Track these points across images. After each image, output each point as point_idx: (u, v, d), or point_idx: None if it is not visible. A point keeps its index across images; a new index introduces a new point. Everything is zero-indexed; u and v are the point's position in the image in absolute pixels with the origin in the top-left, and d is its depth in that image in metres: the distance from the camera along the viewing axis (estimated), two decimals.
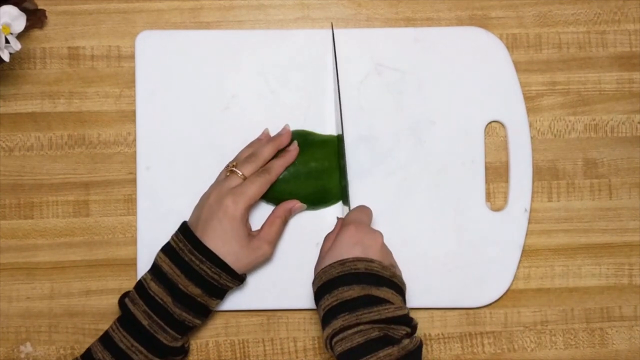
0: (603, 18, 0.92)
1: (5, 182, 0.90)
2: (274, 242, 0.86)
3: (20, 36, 0.85)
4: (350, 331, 0.73)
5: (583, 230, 0.91)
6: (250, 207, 0.83)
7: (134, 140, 0.90)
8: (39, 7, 0.90)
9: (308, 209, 0.89)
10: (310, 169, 0.88)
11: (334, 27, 0.90)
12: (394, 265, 0.80)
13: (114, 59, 0.91)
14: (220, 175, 0.87)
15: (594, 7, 0.92)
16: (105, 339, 0.81)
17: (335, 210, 0.90)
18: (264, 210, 0.88)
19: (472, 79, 0.91)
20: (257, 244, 0.84)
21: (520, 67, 0.91)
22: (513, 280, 0.90)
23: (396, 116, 0.90)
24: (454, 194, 0.90)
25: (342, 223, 0.81)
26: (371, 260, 0.76)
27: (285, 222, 0.87)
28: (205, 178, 0.87)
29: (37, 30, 0.91)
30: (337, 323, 0.74)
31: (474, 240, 0.89)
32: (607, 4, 0.92)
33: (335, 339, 0.74)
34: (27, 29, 0.87)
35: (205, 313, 0.83)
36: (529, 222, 0.90)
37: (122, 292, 0.85)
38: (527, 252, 0.91)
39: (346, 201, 0.87)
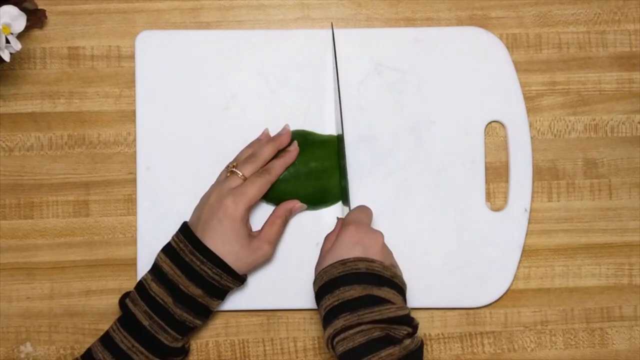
0: (603, 18, 0.92)
1: (5, 182, 0.90)
2: (275, 242, 0.86)
3: (20, 36, 0.85)
4: (351, 331, 0.73)
5: (583, 230, 0.91)
6: (250, 208, 0.83)
7: (134, 140, 0.90)
8: (39, 7, 0.90)
9: (308, 209, 0.89)
10: (310, 169, 0.88)
11: (334, 27, 0.90)
12: (394, 266, 0.80)
13: (114, 59, 0.91)
14: (220, 175, 0.87)
15: (594, 7, 0.92)
16: (106, 339, 0.81)
17: (335, 211, 0.90)
18: (265, 211, 0.88)
19: (472, 79, 0.91)
20: (258, 244, 0.84)
21: (520, 67, 0.91)
22: (513, 280, 0.90)
23: (396, 116, 0.90)
24: (454, 194, 0.90)
25: (342, 223, 0.81)
26: (372, 260, 0.76)
27: (285, 222, 0.87)
28: (205, 178, 0.87)
29: (37, 30, 0.91)
30: (338, 323, 0.74)
31: (474, 240, 0.89)
32: (607, 4, 0.92)
33: (336, 339, 0.74)
34: (27, 29, 0.87)
35: (206, 314, 0.83)
36: (529, 222, 0.91)
37: (122, 292, 0.85)
38: (527, 252, 0.91)
39: (346, 201, 0.87)
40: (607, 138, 0.92)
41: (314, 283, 0.78)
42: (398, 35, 0.91)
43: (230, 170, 0.84)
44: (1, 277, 0.89)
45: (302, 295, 0.88)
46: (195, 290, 0.81)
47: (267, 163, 0.86)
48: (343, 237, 0.78)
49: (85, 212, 0.90)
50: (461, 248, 0.89)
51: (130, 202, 0.90)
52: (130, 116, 0.90)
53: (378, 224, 0.87)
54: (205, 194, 0.85)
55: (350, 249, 0.76)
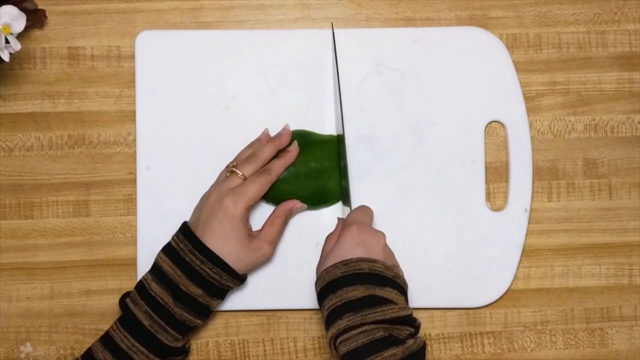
0: (603, 18, 0.92)
1: (5, 182, 0.90)
2: (275, 242, 0.86)
3: (20, 36, 0.85)
4: (355, 331, 0.73)
5: (583, 230, 0.91)
6: (250, 208, 0.83)
7: (134, 140, 0.90)
8: (39, 7, 0.90)
9: (308, 209, 0.89)
10: (310, 169, 0.88)
11: (334, 27, 0.90)
12: (396, 266, 0.80)
13: (114, 59, 0.91)
14: (220, 175, 0.87)
15: (594, 7, 0.92)
16: (106, 339, 0.81)
17: (335, 211, 0.90)
18: (264, 211, 0.88)
19: (472, 79, 0.91)
20: (258, 244, 0.84)
21: (520, 67, 0.91)
22: (513, 280, 0.90)
23: (396, 116, 0.90)
24: (454, 194, 0.90)
25: (343, 223, 0.81)
26: (374, 261, 0.76)
27: (285, 222, 0.87)
28: (205, 178, 0.87)
29: (37, 30, 0.91)
30: (341, 323, 0.74)
31: (474, 240, 0.89)
32: (607, 4, 0.92)
33: (339, 339, 0.74)
34: (27, 29, 0.87)
35: (206, 313, 0.83)
36: (529, 222, 0.91)
37: (122, 292, 0.85)
38: (527, 252, 0.91)
39: (346, 201, 0.87)
40: (607, 138, 0.92)
41: (316, 283, 0.78)
42: (398, 35, 0.91)
43: (230, 170, 0.84)
44: (1, 277, 0.89)
45: (302, 295, 0.88)
46: (195, 290, 0.81)
47: (267, 163, 0.86)
48: (345, 237, 0.78)
49: (85, 212, 0.90)
50: (461, 248, 0.89)
51: (130, 202, 0.90)
52: (130, 116, 0.90)
53: (378, 224, 0.87)
54: (205, 193, 0.85)
55: (352, 250, 0.76)
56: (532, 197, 0.91)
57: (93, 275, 0.90)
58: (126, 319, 0.81)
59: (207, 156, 0.89)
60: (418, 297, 0.88)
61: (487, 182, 0.91)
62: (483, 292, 0.90)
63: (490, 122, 0.91)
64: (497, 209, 0.91)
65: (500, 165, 0.91)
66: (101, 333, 0.82)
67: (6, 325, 0.89)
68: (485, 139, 0.91)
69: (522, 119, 0.91)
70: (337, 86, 0.85)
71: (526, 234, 0.90)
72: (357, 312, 0.74)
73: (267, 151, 0.86)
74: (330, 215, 0.89)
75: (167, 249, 0.83)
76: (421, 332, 0.89)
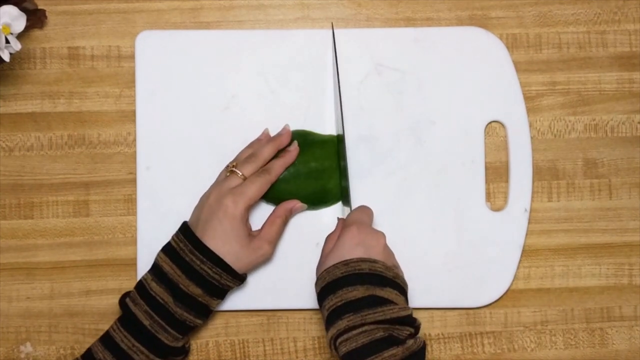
0: (603, 18, 0.92)
1: (5, 182, 0.90)
2: (275, 242, 0.86)
3: (20, 36, 0.85)
4: (355, 332, 0.73)
5: (583, 230, 0.91)
6: (250, 207, 0.83)
7: (134, 140, 0.90)
8: (39, 7, 0.90)
9: (308, 209, 0.89)
10: (310, 169, 0.88)
11: (334, 27, 0.90)
12: (396, 266, 0.80)
13: (114, 59, 0.91)
14: (220, 175, 0.87)
15: (594, 7, 0.92)
16: (106, 339, 0.81)
17: (335, 211, 0.90)
18: (264, 210, 0.88)
19: (472, 79, 0.91)
20: (258, 244, 0.84)
21: (520, 67, 0.91)
22: (513, 280, 0.90)
23: (396, 116, 0.90)
24: (454, 194, 0.90)
25: (343, 224, 0.81)
26: (375, 261, 0.76)
27: (285, 222, 0.87)
28: (205, 178, 0.87)
29: (37, 30, 0.91)
30: (342, 323, 0.74)
31: (474, 240, 0.89)
32: (607, 4, 0.92)
33: (339, 339, 0.74)
34: (27, 29, 0.87)
35: (206, 313, 0.83)
36: (529, 222, 0.91)
37: (122, 292, 0.85)
38: (527, 252, 0.91)
39: (346, 201, 0.87)
40: (607, 138, 0.92)
41: (316, 284, 0.78)
42: (398, 35, 0.91)
43: (230, 170, 0.84)
44: (1, 277, 0.89)
45: (302, 295, 0.88)
46: (195, 290, 0.81)
47: (267, 163, 0.86)
48: (345, 237, 0.78)
49: (85, 212, 0.90)
50: (461, 248, 0.89)
51: (130, 202, 0.90)
52: (130, 116, 0.90)
53: (378, 224, 0.87)
54: (205, 193, 0.85)
55: (352, 250, 0.76)
56: (532, 197, 0.91)
57: (93, 275, 0.90)
58: (126, 318, 0.81)
59: (207, 156, 0.89)
60: (418, 297, 0.88)
61: (487, 182, 0.91)
62: (483, 292, 0.90)
63: (490, 122, 0.91)
64: (497, 209, 0.91)
65: (500, 165, 0.91)
66: (101, 333, 0.82)
67: (6, 325, 0.89)
68: (485, 139, 0.91)
69: (522, 119, 0.91)
70: (337, 86, 0.85)
71: (526, 234, 0.90)
72: (357, 313, 0.74)
73: (267, 151, 0.86)
74: (330, 215, 0.89)
75: (167, 249, 0.83)
76: (421, 332, 0.89)
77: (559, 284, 0.91)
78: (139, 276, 0.87)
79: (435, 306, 0.90)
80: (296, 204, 0.87)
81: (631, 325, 0.91)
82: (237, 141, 0.88)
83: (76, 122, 0.91)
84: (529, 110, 0.91)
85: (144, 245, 0.88)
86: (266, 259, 0.86)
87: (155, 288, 0.81)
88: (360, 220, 0.81)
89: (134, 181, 0.90)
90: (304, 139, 0.89)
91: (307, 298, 0.88)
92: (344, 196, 0.88)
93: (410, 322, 0.75)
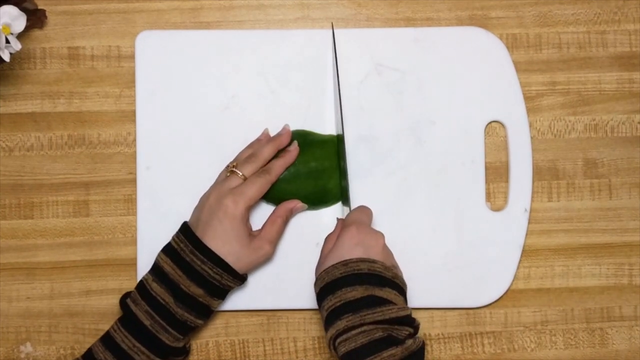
0: (603, 18, 0.92)
1: (5, 182, 0.90)
2: (275, 242, 0.86)
3: (20, 36, 0.85)
4: (354, 332, 0.73)
5: (583, 230, 0.91)
6: (250, 208, 0.83)
7: (134, 140, 0.90)
8: (39, 7, 0.90)
9: (308, 209, 0.89)
10: (310, 169, 0.88)
11: (334, 27, 0.90)
12: (395, 266, 0.80)
13: (114, 59, 0.91)
14: (220, 175, 0.87)
15: (594, 7, 0.92)
16: (107, 340, 0.81)
17: (335, 211, 0.90)
18: (265, 210, 0.88)
19: (472, 79, 0.91)
20: (259, 244, 0.84)
21: (520, 67, 0.91)
22: (513, 280, 0.90)
23: (396, 116, 0.90)
24: (454, 194, 0.90)
25: (342, 224, 0.81)
26: (374, 261, 0.76)
27: (286, 222, 0.87)
28: (205, 178, 0.87)
29: (37, 30, 0.91)
30: (341, 324, 0.74)
31: (474, 240, 0.89)
32: (607, 4, 0.92)
33: (339, 340, 0.74)
34: (27, 29, 0.87)
35: (207, 313, 0.83)
36: (529, 222, 0.91)
37: (122, 292, 0.85)
38: (527, 252, 0.91)
39: (346, 201, 0.87)
40: (607, 138, 0.92)
41: (315, 284, 0.78)
42: (398, 35, 0.91)
43: (230, 170, 0.84)
44: (1, 277, 0.89)
45: (302, 295, 0.88)
46: (196, 290, 0.81)
47: (267, 163, 0.86)
48: (344, 237, 0.78)
49: (85, 212, 0.90)
50: (461, 248, 0.89)
51: (130, 202, 0.90)
52: (130, 116, 0.90)
53: (378, 224, 0.87)
54: (205, 193, 0.85)
55: (351, 250, 0.76)
56: (532, 197, 0.91)
57: (93, 275, 0.90)
58: (127, 319, 0.81)
59: (207, 156, 0.89)
60: (418, 297, 0.88)
61: (487, 182, 0.91)
62: (483, 292, 0.90)
63: (490, 122, 0.91)
64: (497, 209, 0.91)
65: (500, 165, 0.91)
66: (101, 333, 0.82)
67: (6, 325, 0.89)
68: (485, 139, 0.91)
69: (522, 119, 0.91)
70: (337, 86, 0.85)
71: (526, 234, 0.90)
72: (356, 313, 0.74)
73: (267, 151, 0.86)
74: (330, 215, 0.89)
75: (168, 249, 0.83)
76: (421, 332, 0.89)
77: (559, 284, 0.91)
78: (139, 276, 0.87)
79: (435, 306, 0.90)
80: (297, 203, 0.87)
81: (631, 325, 0.91)
82: (237, 141, 0.88)
83: (76, 122, 0.91)
84: (529, 110, 0.91)
85: (144, 245, 0.88)
86: (267, 258, 0.86)
87: (156, 288, 0.81)
88: (359, 220, 0.81)
89: (134, 181, 0.90)
90: (304, 139, 0.89)
91: (307, 298, 0.88)
92: (343, 196, 0.88)
93: (409, 322, 0.75)
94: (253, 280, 0.88)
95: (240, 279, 0.83)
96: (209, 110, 0.90)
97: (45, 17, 0.90)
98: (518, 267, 0.90)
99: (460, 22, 0.92)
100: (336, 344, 0.74)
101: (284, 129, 0.89)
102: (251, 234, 0.85)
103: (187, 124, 0.90)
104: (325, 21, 0.92)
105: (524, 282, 0.91)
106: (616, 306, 0.91)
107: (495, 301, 0.90)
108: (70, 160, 0.90)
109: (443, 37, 0.91)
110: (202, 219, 0.82)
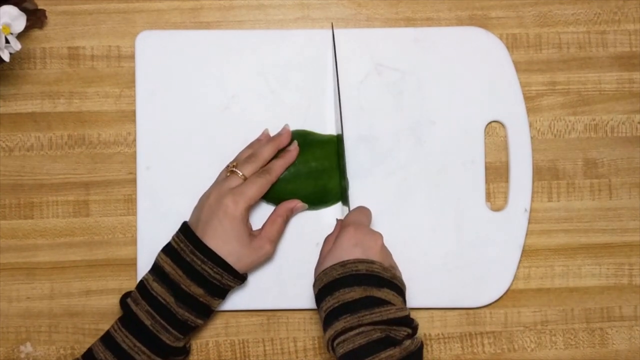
0: (603, 18, 0.92)
1: (5, 182, 0.90)
2: (276, 241, 0.86)
3: (20, 36, 0.85)
4: (352, 333, 0.73)
5: (583, 230, 0.91)
6: (250, 207, 0.83)
7: (134, 140, 0.90)
8: (39, 7, 0.90)
9: (308, 209, 0.89)
10: (310, 168, 0.88)
11: (334, 27, 0.90)
12: (393, 267, 0.80)
13: (114, 59, 0.91)
14: (220, 175, 0.87)
15: (594, 7, 0.92)
16: (107, 339, 0.81)
17: (335, 211, 0.90)
18: (265, 210, 0.89)
19: (472, 79, 0.91)
20: (259, 244, 0.84)
21: (520, 67, 0.91)
22: (513, 280, 0.90)
23: (396, 116, 0.90)
24: (454, 194, 0.90)
25: (341, 225, 0.81)
26: (372, 262, 0.76)
27: (286, 222, 0.87)
28: (205, 178, 0.87)
29: (37, 30, 0.91)
30: (339, 325, 0.74)
31: (474, 240, 0.89)
32: (607, 4, 0.92)
33: (337, 341, 0.74)
34: (27, 29, 0.87)
35: (207, 313, 0.83)
36: (529, 222, 0.91)
37: (122, 292, 0.85)
38: (527, 252, 0.91)
39: (346, 201, 0.87)
40: (607, 138, 0.92)
41: (314, 285, 0.78)
42: (398, 35, 0.91)
43: (230, 170, 0.84)
44: (1, 277, 0.89)
45: (302, 295, 0.88)
46: (196, 290, 0.81)
47: (267, 163, 0.86)
48: (342, 238, 0.78)
49: (85, 212, 0.90)
50: (461, 248, 0.89)
51: (130, 202, 0.90)
52: (130, 116, 0.90)
53: (378, 224, 0.87)
54: (205, 193, 0.85)
55: (350, 251, 0.76)
56: (532, 197, 0.91)
57: (93, 275, 0.90)
58: (127, 319, 0.81)
59: (207, 156, 0.89)
60: (418, 297, 0.88)
61: (487, 182, 0.91)
62: (483, 292, 0.90)
63: (490, 122, 0.91)
64: (497, 209, 0.91)
65: (500, 165, 0.91)
66: (101, 333, 0.82)
67: (6, 325, 0.89)
68: (485, 139, 0.91)
69: (522, 119, 0.91)
70: (337, 86, 0.85)
71: (526, 234, 0.90)
72: (354, 314, 0.74)
73: (267, 151, 0.86)
74: (330, 215, 0.89)
75: (168, 249, 0.83)
76: (421, 332, 0.89)
77: (559, 284, 0.91)
78: (139, 276, 0.87)
79: (435, 306, 0.90)
80: (297, 203, 0.87)
81: (631, 325, 0.91)
82: (237, 141, 0.88)
83: (76, 122, 0.91)
84: (529, 110, 0.91)
85: (144, 245, 0.88)
86: (267, 258, 0.86)
87: (157, 288, 0.81)
88: (358, 221, 0.80)
89: (134, 181, 0.90)
90: (304, 139, 0.89)
91: (307, 298, 0.88)
92: (343, 196, 0.88)
93: (407, 322, 0.75)
94: (253, 280, 0.88)
95: (240, 278, 0.83)
96: (209, 110, 0.90)
97: (45, 17, 0.90)
98: (518, 267, 0.90)
99: (460, 22, 0.92)
100: (334, 345, 0.74)
101: (284, 129, 0.89)
102: (251, 234, 0.85)
103: (187, 124, 0.90)
104: (325, 21, 0.92)
105: (524, 282, 0.91)
106: (616, 306, 0.91)
107: (495, 301, 0.90)
108: (70, 160, 0.90)
109: (443, 37, 0.91)
110: (202, 219, 0.82)
